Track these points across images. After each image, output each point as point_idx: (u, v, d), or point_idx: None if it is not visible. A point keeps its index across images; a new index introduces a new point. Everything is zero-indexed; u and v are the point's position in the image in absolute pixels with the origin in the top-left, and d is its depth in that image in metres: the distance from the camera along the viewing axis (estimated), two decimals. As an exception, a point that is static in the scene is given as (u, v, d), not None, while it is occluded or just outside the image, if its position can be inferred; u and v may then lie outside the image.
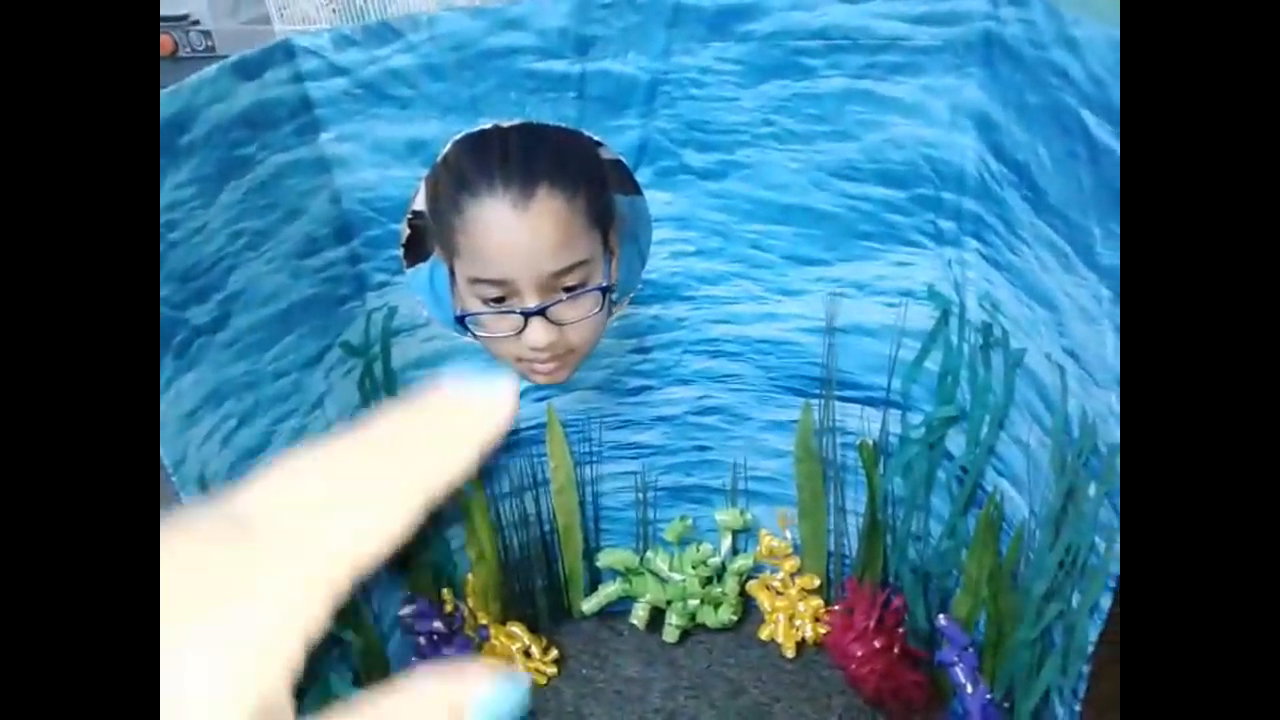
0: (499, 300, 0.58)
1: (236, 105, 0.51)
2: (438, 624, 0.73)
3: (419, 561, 0.73)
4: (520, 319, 0.57)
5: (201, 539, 0.17)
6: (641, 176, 0.63)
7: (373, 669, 0.67)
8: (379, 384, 0.67)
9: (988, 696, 0.66)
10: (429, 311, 0.67)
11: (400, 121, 0.58)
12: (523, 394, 0.73)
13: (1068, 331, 0.53)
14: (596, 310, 0.59)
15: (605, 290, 0.59)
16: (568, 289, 0.57)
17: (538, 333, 0.58)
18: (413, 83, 0.57)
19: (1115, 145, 0.44)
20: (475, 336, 0.61)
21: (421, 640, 0.73)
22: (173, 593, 0.17)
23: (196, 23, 1.91)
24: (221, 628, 0.16)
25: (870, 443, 0.72)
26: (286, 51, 0.55)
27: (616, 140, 0.61)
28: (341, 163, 0.59)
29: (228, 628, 0.16)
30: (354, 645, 0.65)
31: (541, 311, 0.57)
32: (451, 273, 0.61)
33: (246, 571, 0.17)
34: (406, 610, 0.73)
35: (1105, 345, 0.49)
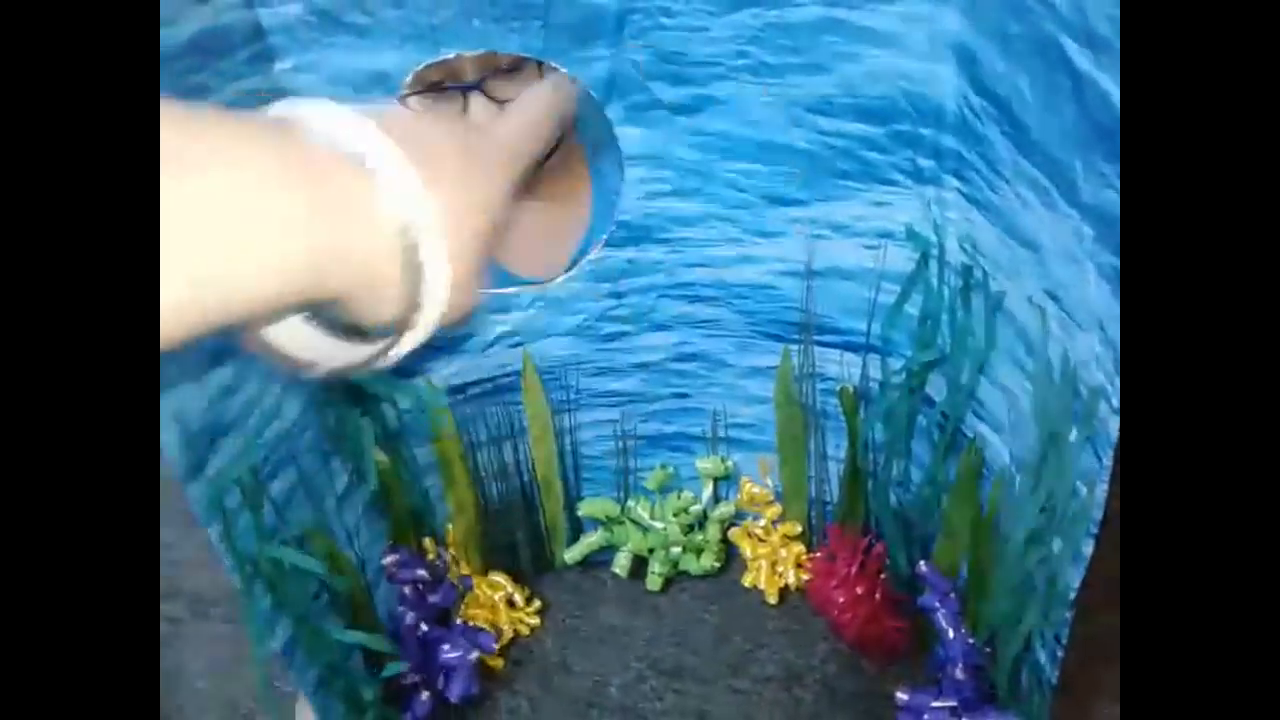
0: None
1: (186, 30, 0.49)
2: (421, 572, 0.73)
3: (399, 510, 0.73)
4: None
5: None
6: (612, 112, 0.60)
7: (361, 616, 0.67)
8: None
9: (969, 641, 0.66)
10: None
11: (358, 51, 0.56)
12: (495, 341, 0.71)
13: (1049, 272, 0.51)
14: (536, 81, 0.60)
15: (540, 63, 0.60)
16: (505, 66, 0.60)
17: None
18: (370, 10, 0.55)
19: (1097, 75, 0.42)
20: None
21: (406, 590, 0.73)
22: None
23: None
24: None
25: (850, 388, 0.70)
26: None
27: (584, 72, 0.58)
28: (298, 95, 0.57)
29: None
30: (341, 594, 0.65)
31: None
32: None
33: None
34: (389, 559, 0.72)
35: (1087, 285, 0.47)
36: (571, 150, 0.68)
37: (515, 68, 0.61)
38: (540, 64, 0.60)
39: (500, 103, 0.61)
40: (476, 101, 0.61)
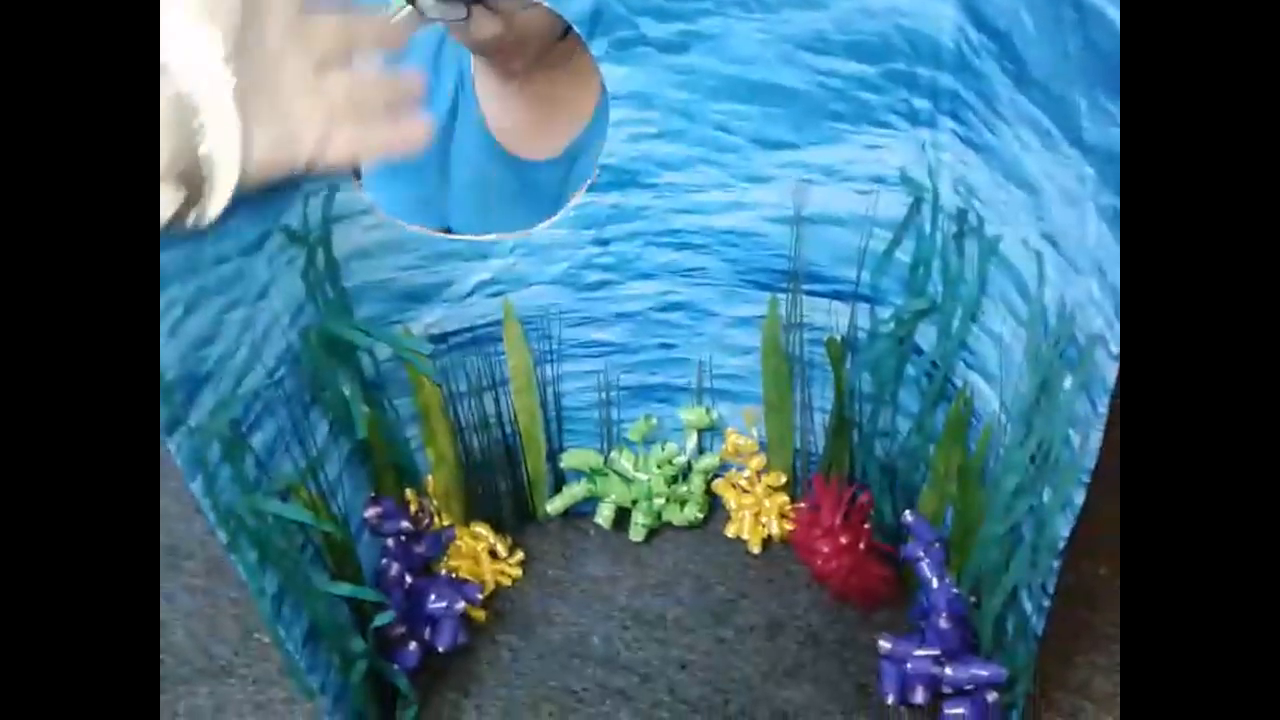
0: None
1: None
2: (405, 524, 0.72)
3: (380, 462, 0.71)
4: (463, 7, 0.60)
5: None
6: (597, 48, 0.58)
7: (344, 566, 0.66)
8: (323, 275, 0.63)
9: (954, 591, 0.66)
10: (371, 196, 0.63)
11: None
12: (475, 290, 0.69)
13: (1047, 215, 0.50)
14: None
15: None
16: None
17: (482, 25, 0.61)
18: None
19: (1105, 5, 0.40)
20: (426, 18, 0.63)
21: (389, 542, 0.72)
22: None
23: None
24: None
25: (838, 339, 0.69)
26: None
27: (568, 7, 0.56)
28: None
29: None
30: (327, 547, 0.64)
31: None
32: None
33: None
34: (372, 511, 0.71)
35: (1087, 228, 0.46)
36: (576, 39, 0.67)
37: None
38: None
39: (499, 13, 0.61)
40: (478, 11, 0.61)
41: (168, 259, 0.48)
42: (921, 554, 0.67)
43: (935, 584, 0.66)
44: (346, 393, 0.65)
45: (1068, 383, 0.50)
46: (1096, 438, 0.48)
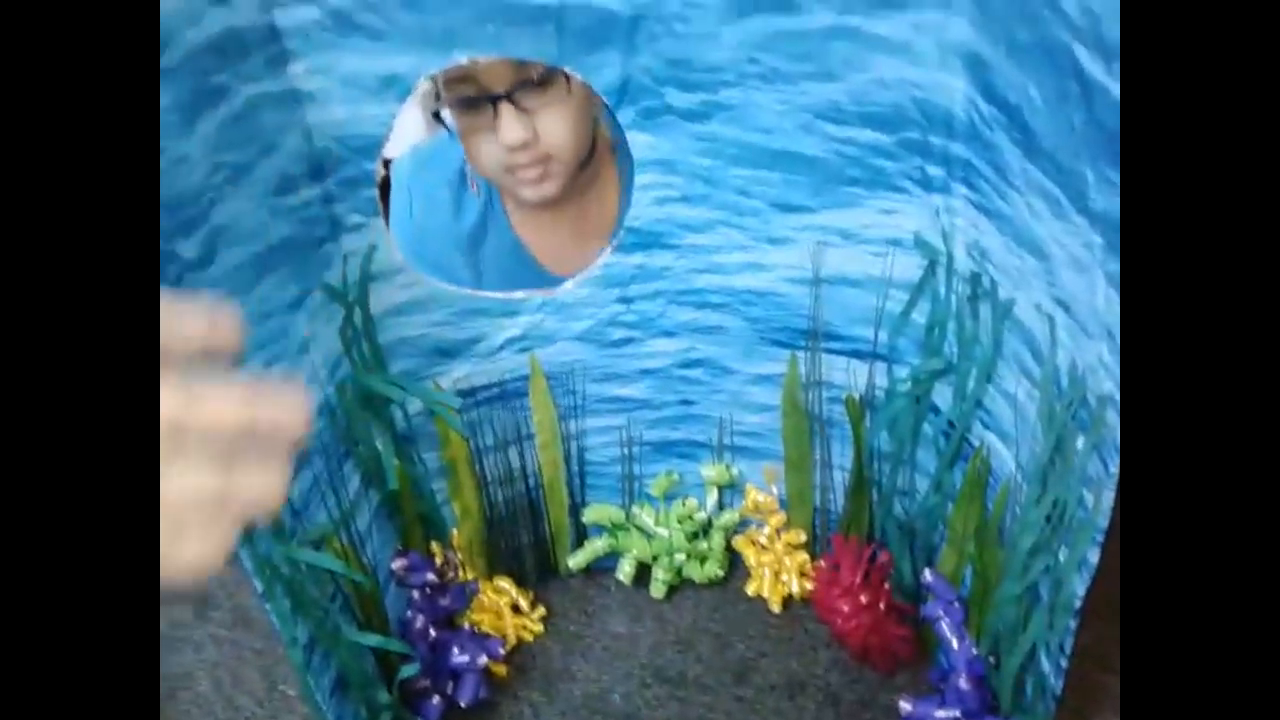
0: (471, 100, 0.62)
1: (207, 31, 0.49)
2: (431, 576, 0.73)
3: (408, 514, 0.73)
4: (490, 106, 0.61)
5: None
6: (624, 117, 0.61)
7: (372, 617, 0.67)
8: (360, 331, 0.66)
9: (973, 651, 0.66)
10: (404, 257, 0.66)
11: (373, 55, 0.57)
12: (504, 345, 0.71)
13: (1058, 281, 0.52)
14: (565, 93, 0.62)
15: (568, 76, 0.61)
16: (532, 78, 0.61)
17: (508, 124, 0.62)
18: (385, 12, 0.55)
19: (1108, 83, 0.42)
20: (452, 132, 0.66)
21: (415, 594, 0.73)
22: None
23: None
24: None
25: (856, 397, 0.70)
26: None
27: (597, 78, 0.59)
28: (312, 98, 0.57)
29: None
30: (356, 597, 0.65)
31: (508, 96, 0.61)
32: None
33: None
34: (399, 563, 0.72)
35: (1097, 294, 0.48)
36: (602, 155, 0.69)
37: (545, 80, 0.61)
38: (568, 77, 0.61)
39: (529, 114, 0.62)
40: (506, 112, 0.62)
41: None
42: (941, 613, 0.67)
43: (955, 644, 0.66)
44: (379, 445, 0.67)
45: (1080, 443, 0.51)
46: (1109, 497, 0.49)
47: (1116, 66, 0.41)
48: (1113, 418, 0.47)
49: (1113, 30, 0.41)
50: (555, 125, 0.63)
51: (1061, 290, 0.51)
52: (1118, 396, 0.46)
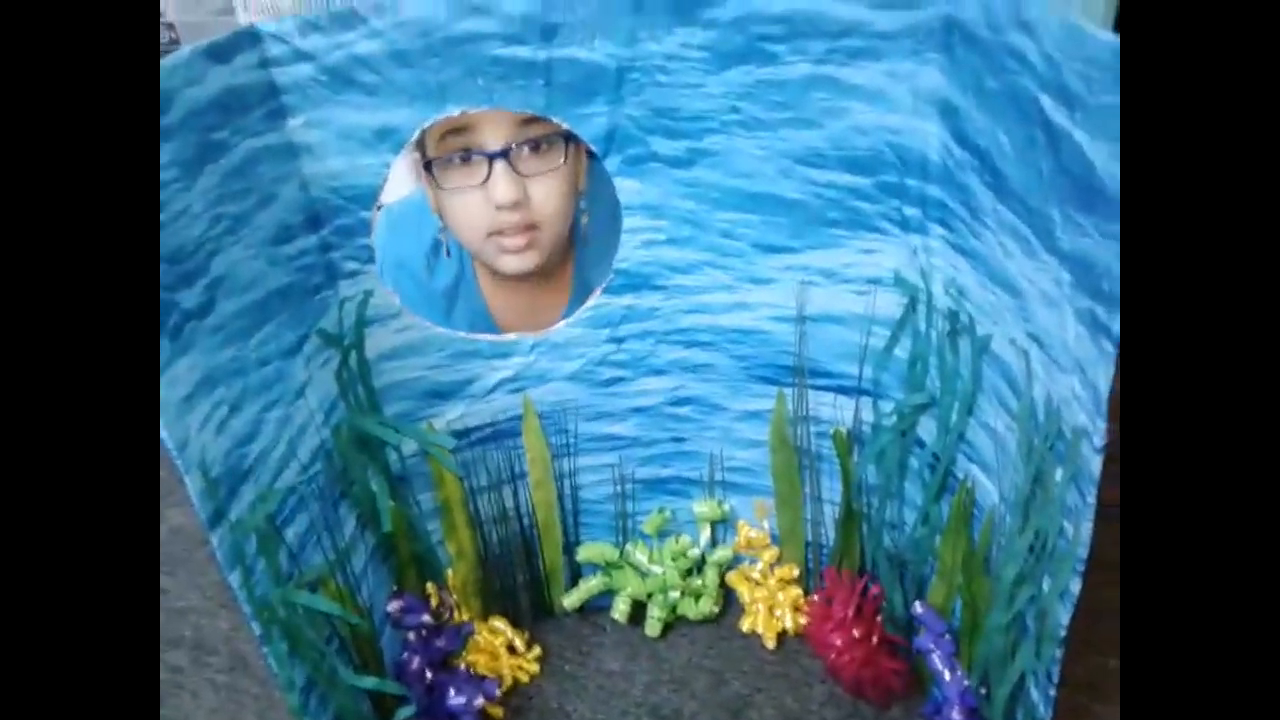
0: (465, 154, 0.62)
1: (208, 90, 0.51)
2: (426, 617, 0.74)
3: (403, 556, 0.73)
4: (485, 163, 0.61)
5: None
6: (611, 164, 0.63)
7: (369, 659, 0.67)
8: (355, 375, 0.67)
9: (965, 683, 0.66)
10: (400, 300, 0.67)
11: (367, 109, 0.59)
12: (497, 386, 0.73)
13: (1031, 316, 0.53)
14: (561, 163, 0.63)
15: (568, 140, 0.62)
16: (532, 140, 0.61)
17: (502, 183, 0.62)
18: (379, 69, 0.58)
19: (1070, 128, 0.44)
20: (442, 188, 0.64)
21: (411, 635, 0.73)
22: None
23: (161, 14, 1.91)
24: None
25: (843, 431, 0.72)
26: (252, 37, 0.55)
27: (585, 128, 0.61)
28: (309, 150, 0.59)
29: None
30: (352, 639, 0.65)
31: (505, 154, 0.61)
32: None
33: None
34: (394, 605, 0.73)
35: (1067, 329, 0.49)
36: (570, 241, 0.69)
37: (544, 145, 0.62)
38: (567, 141, 0.62)
39: (524, 178, 0.63)
40: (501, 170, 0.62)
41: (215, 362, 0.52)
42: (932, 646, 0.68)
43: (947, 676, 0.67)
44: (374, 487, 0.68)
45: (1058, 475, 0.52)
46: (1087, 528, 0.50)
47: (1080, 114, 0.43)
48: (1086, 449, 0.48)
49: (1075, 80, 0.43)
50: (548, 194, 0.63)
51: (1035, 325, 0.53)
52: (1091, 428, 0.48)
